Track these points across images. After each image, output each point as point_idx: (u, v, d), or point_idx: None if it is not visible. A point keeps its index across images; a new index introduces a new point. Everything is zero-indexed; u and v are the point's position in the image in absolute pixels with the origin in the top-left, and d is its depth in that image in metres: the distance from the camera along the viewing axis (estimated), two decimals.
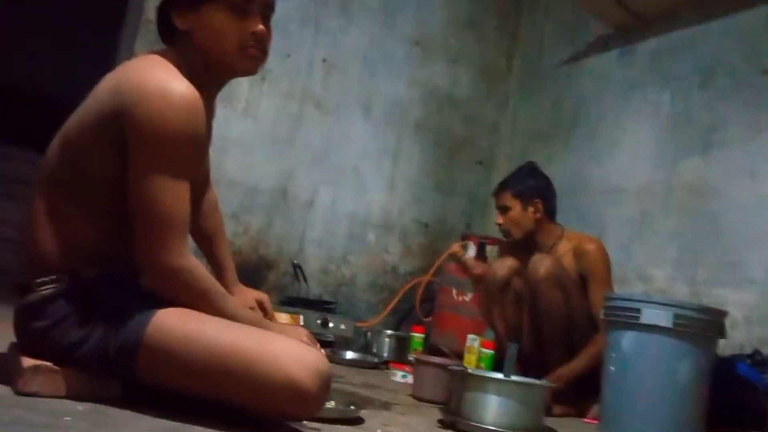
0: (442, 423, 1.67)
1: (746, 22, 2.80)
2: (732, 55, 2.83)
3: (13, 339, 1.32)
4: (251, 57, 1.32)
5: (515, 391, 1.68)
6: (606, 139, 3.35)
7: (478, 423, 1.61)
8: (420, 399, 2.06)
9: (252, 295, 1.63)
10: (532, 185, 2.44)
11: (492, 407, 1.62)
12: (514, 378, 1.76)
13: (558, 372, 2.14)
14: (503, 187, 2.46)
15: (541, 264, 2.23)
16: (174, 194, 1.20)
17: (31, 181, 1.36)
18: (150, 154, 1.18)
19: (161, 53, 1.31)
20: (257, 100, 3.25)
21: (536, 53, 3.98)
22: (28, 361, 1.20)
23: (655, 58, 3.20)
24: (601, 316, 2.08)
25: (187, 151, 1.22)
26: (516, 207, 2.40)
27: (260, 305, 1.62)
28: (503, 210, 2.43)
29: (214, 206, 1.67)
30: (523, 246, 2.43)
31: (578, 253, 2.32)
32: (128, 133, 1.19)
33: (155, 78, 1.20)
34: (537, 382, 1.82)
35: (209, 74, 1.33)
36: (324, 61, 3.45)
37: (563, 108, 3.66)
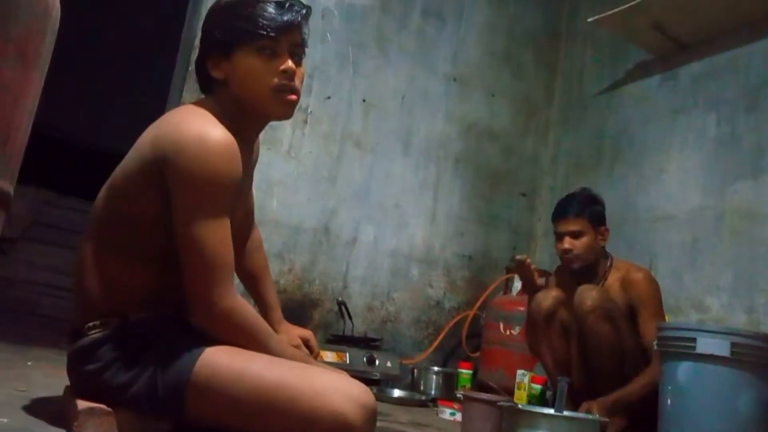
0: None
1: None
2: None
3: (68, 383, 1.36)
4: (284, 101, 1.35)
5: (568, 427, 1.63)
6: (651, 167, 3.29)
7: None
8: None
9: (297, 332, 1.64)
10: (601, 211, 2.37)
11: None
12: (566, 413, 1.71)
13: (609, 399, 2.04)
14: (578, 210, 2.33)
15: (588, 295, 2.17)
16: (217, 236, 1.23)
17: (74, 228, 1.41)
18: (191, 198, 1.22)
19: (199, 103, 1.36)
20: (299, 141, 3.33)
21: (576, 83, 3.97)
22: (82, 404, 1.22)
23: (698, 82, 3.15)
24: (655, 347, 2.01)
25: (226, 193, 1.25)
26: (589, 232, 2.31)
27: (306, 343, 1.63)
28: (576, 235, 2.30)
29: (258, 246, 1.71)
30: (578, 275, 2.34)
31: (626, 283, 2.26)
32: (169, 180, 1.23)
33: (192, 126, 1.25)
34: (589, 416, 1.77)
35: (246, 119, 1.36)
36: (363, 101, 3.52)
37: (605, 136, 3.62)
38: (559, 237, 2.34)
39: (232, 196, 1.28)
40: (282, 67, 1.33)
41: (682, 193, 3.09)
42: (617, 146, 3.53)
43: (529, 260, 2.40)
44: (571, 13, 4.10)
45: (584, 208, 2.33)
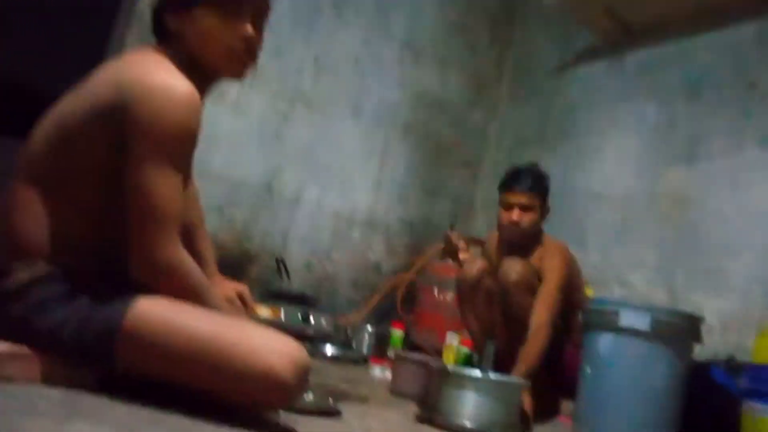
0: (419, 418, 1.70)
1: (734, 36, 2.84)
2: (719, 69, 2.88)
3: None
4: (239, 62, 1.33)
5: (493, 389, 1.71)
6: (591, 147, 3.38)
7: (455, 419, 1.63)
8: (397, 394, 2.07)
9: (232, 286, 1.63)
10: (548, 187, 2.42)
11: (469, 404, 1.65)
12: (491, 376, 1.79)
13: (521, 371, 2.06)
14: (532, 185, 2.36)
15: (513, 269, 2.23)
16: (171, 188, 1.21)
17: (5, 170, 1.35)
18: (152, 149, 1.19)
19: (158, 51, 1.31)
20: (247, 97, 3.25)
21: (527, 61, 4.02)
22: (2, 346, 1.18)
23: (643, 70, 3.24)
24: (579, 319, 2.11)
25: (187, 148, 1.24)
26: (537, 208, 2.35)
27: (240, 297, 1.62)
28: (526, 209, 2.34)
29: (195, 198, 1.67)
30: (512, 247, 2.40)
31: (544, 257, 2.33)
32: (129, 127, 1.19)
33: (159, 76, 1.21)
34: (515, 380, 1.86)
35: (198, 75, 1.32)
36: (315, 60, 3.46)
37: (551, 115, 3.70)
38: (508, 207, 2.36)
39: (191, 152, 1.26)
40: (243, 33, 1.31)
41: (617, 175, 3.20)
42: (561, 125, 3.61)
43: (453, 237, 2.52)
44: None
45: (538, 183, 2.37)
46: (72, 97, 1.29)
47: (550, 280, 2.24)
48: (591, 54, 3.54)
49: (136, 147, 1.20)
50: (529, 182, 2.35)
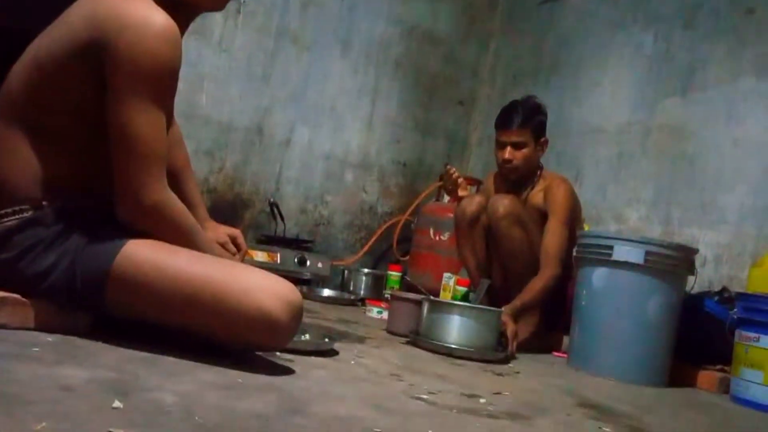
0: (409, 342, 1.92)
1: None
2: None
3: None
4: None
5: (472, 315, 1.91)
6: (587, 80, 3.32)
7: (439, 342, 1.87)
8: (393, 333, 2.10)
9: (224, 231, 1.61)
10: (543, 121, 2.37)
11: (451, 328, 1.88)
12: (471, 305, 1.99)
13: (516, 304, 2.11)
14: (522, 122, 2.30)
15: (500, 203, 2.24)
16: (152, 126, 1.18)
17: None
18: (131, 84, 1.15)
19: None
20: (231, 33, 3.15)
21: None
22: None
23: None
24: (558, 250, 2.12)
25: (168, 82, 1.20)
26: (530, 144, 2.32)
27: (233, 241, 1.60)
28: (518, 146, 2.31)
29: (178, 140, 1.63)
30: (511, 183, 2.40)
31: (547, 192, 2.33)
32: (108, 62, 1.15)
33: (136, 8, 1.17)
34: (493, 309, 2.00)
35: (177, 8, 1.27)
36: None
37: (545, 48, 3.61)
38: (501, 146, 2.35)
39: (172, 87, 1.22)
40: None
41: (613, 108, 3.15)
42: (556, 58, 3.53)
43: (453, 171, 2.50)
44: None
45: (529, 119, 2.32)
46: (48, 35, 1.24)
47: (557, 213, 2.26)
48: None
49: (115, 83, 1.16)
50: (519, 119, 2.31)
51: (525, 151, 2.32)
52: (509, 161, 2.32)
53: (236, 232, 1.63)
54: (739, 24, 2.68)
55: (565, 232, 2.22)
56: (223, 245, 1.56)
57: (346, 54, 3.50)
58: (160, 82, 1.18)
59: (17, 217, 1.21)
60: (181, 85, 1.52)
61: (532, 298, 2.13)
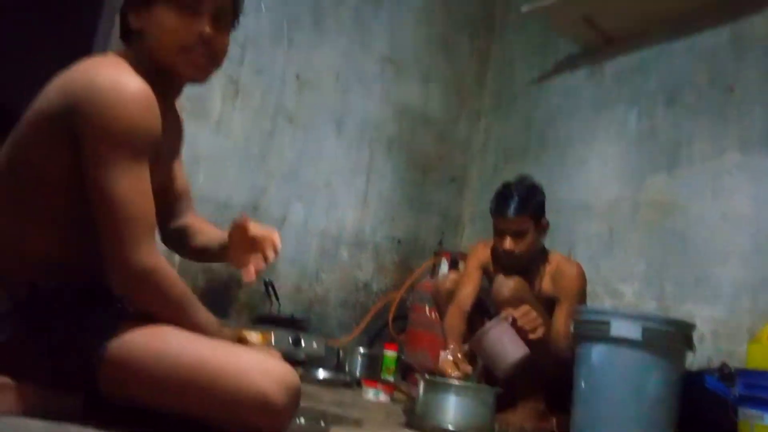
0: (406, 424, 1.91)
1: (710, 41, 2.87)
2: (697, 74, 2.90)
3: None
4: (194, 63, 1.27)
5: (469, 394, 1.91)
6: (575, 157, 3.40)
7: (436, 422, 1.87)
8: (510, 368, 2.05)
9: (257, 231, 1.45)
10: (541, 202, 2.29)
11: (448, 408, 1.87)
12: (466, 383, 2.01)
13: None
14: (520, 208, 2.21)
15: (505, 285, 2.19)
16: (133, 188, 1.15)
17: None
18: (104, 148, 1.14)
19: (115, 53, 1.29)
20: (229, 115, 3.23)
21: (508, 72, 4.04)
22: None
23: (622, 77, 3.27)
24: (571, 330, 2.10)
25: (143, 143, 1.17)
26: (531, 230, 2.23)
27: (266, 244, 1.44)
28: (518, 234, 2.20)
29: (202, 225, 1.61)
30: (517, 271, 2.28)
31: (557, 275, 2.28)
32: (80, 129, 1.14)
33: (106, 73, 1.17)
34: (489, 387, 1.98)
35: (158, 76, 1.27)
36: (297, 77, 3.45)
37: (534, 126, 3.71)
38: (500, 234, 2.26)
39: (150, 151, 1.20)
40: (200, 30, 1.25)
41: (601, 184, 3.21)
42: (544, 136, 3.62)
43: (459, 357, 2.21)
44: (506, 2, 4.16)
45: (526, 203, 2.23)
46: (28, 110, 1.24)
47: (569, 298, 2.22)
48: (570, 63, 3.57)
49: (89, 148, 1.15)
50: (517, 206, 2.22)
51: (526, 239, 2.23)
52: (511, 252, 2.23)
53: (267, 234, 1.45)
54: (720, 101, 2.78)
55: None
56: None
57: (341, 133, 3.58)
58: (136, 144, 1.16)
59: (8, 299, 1.19)
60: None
61: (544, 365, 2.09)
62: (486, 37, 4.17)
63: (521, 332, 2.05)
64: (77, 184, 1.18)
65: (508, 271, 2.28)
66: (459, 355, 2.13)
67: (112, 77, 1.16)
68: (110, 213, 1.15)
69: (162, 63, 1.27)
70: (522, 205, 2.22)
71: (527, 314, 2.04)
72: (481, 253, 2.51)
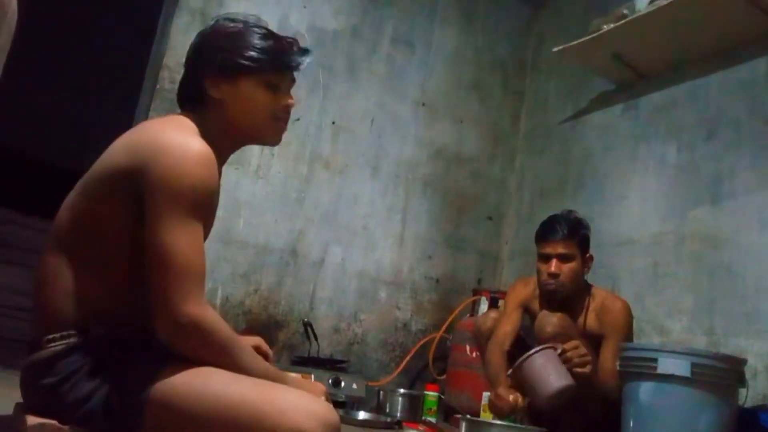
0: None
1: (746, 74, 2.85)
2: (735, 107, 2.87)
3: (18, 400, 1.31)
4: (279, 131, 1.44)
5: None
6: (614, 193, 3.36)
7: None
8: (551, 397, 1.99)
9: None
10: (587, 236, 2.27)
11: None
12: (507, 423, 1.97)
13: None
14: (568, 233, 2.20)
15: (548, 321, 2.15)
16: (190, 244, 1.21)
17: (35, 248, 1.38)
18: (167, 205, 1.20)
19: (179, 116, 1.38)
20: (268, 162, 3.32)
21: (541, 111, 4.06)
22: (32, 419, 1.18)
23: (658, 112, 3.24)
24: (617, 368, 2.04)
25: (203, 204, 1.25)
26: (577, 257, 2.20)
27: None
28: (565, 258, 2.17)
29: None
30: (558, 306, 2.23)
31: (603, 312, 2.23)
32: (145, 187, 1.21)
33: (172, 135, 1.26)
34: (530, 428, 1.95)
35: (227, 140, 1.38)
36: (333, 123, 3.54)
37: (570, 163, 3.70)
38: (545, 259, 2.22)
39: (207, 208, 1.28)
40: (287, 103, 1.43)
41: (642, 219, 3.16)
42: (581, 173, 3.60)
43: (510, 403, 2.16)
44: (537, 44, 4.21)
45: (575, 231, 2.22)
46: (94, 168, 1.33)
47: (616, 333, 2.16)
48: (605, 99, 3.57)
49: (151, 205, 1.21)
50: (565, 229, 2.20)
51: (572, 264, 2.19)
52: (556, 275, 2.18)
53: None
54: (760, 132, 2.73)
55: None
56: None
57: (376, 176, 3.63)
58: (197, 204, 1.23)
59: (64, 342, 1.24)
60: (219, 212, 1.60)
61: (590, 404, 2.03)
62: (518, 78, 4.21)
63: (568, 365, 2.00)
64: (133, 239, 1.24)
65: (552, 307, 2.22)
66: (512, 402, 2.07)
67: (179, 138, 1.25)
68: (164, 263, 1.20)
69: (245, 131, 1.41)
70: (570, 230, 2.21)
71: (577, 348, 2.00)
72: (520, 291, 2.48)
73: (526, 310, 2.43)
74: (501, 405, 2.06)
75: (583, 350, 1.99)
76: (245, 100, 1.38)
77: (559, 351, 1.99)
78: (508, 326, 2.37)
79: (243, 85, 1.37)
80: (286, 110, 1.43)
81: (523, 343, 2.31)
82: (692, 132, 3.03)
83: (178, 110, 1.45)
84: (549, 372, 1.97)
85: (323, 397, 1.34)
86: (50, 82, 4.46)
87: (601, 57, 3.25)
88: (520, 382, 2.08)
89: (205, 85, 1.38)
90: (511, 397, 2.05)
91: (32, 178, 4.25)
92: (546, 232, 2.26)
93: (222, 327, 1.24)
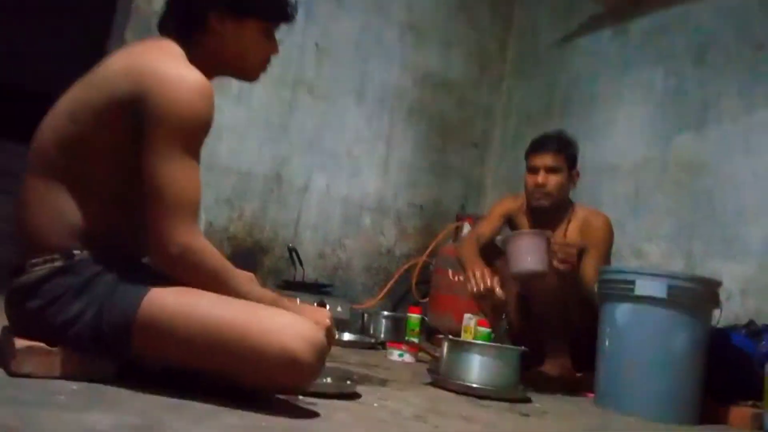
0: (432, 384, 1.91)
1: None
2: (725, 32, 2.82)
3: (5, 323, 1.32)
4: (263, 72, 1.48)
5: (493, 354, 1.92)
6: (600, 118, 3.34)
7: (461, 382, 1.87)
8: (520, 274, 2.06)
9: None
10: (575, 154, 2.36)
11: (471, 367, 1.88)
12: (487, 343, 2.06)
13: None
14: (557, 147, 2.29)
15: (548, 288, 2.14)
16: (186, 174, 1.23)
17: (12, 172, 1.35)
18: (168, 135, 1.21)
19: (167, 42, 1.35)
20: (249, 87, 3.24)
21: (530, 35, 3.97)
22: (20, 342, 1.19)
23: (648, 37, 3.19)
24: (595, 290, 2.09)
25: (202, 136, 1.27)
26: (564, 171, 2.29)
27: None
28: (552, 170, 2.27)
29: None
30: (541, 216, 2.31)
31: (584, 227, 2.29)
32: (146, 116, 1.21)
33: (173, 66, 1.26)
34: (513, 348, 1.99)
35: (212, 71, 1.37)
36: (316, 46, 3.44)
37: (557, 88, 3.65)
38: (534, 170, 2.31)
39: (204, 139, 1.28)
40: (273, 51, 1.46)
41: (628, 145, 3.16)
42: (568, 98, 3.57)
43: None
44: None
45: (564, 146, 2.32)
46: (83, 87, 1.30)
47: (596, 246, 2.23)
48: (594, 23, 3.49)
49: (152, 135, 1.22)
50: (554, 143, 2.31)
51: (559, 177, 2.28)
52: (542, 185, 2.27)
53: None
54: (749, 59, 2.71)
55: (604, 266, 2.19)
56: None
57: (361, 102, 3.57)
58: (195, 134, 1.25)
59: (47, 266, 1.24)
60: None
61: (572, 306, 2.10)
62: (507, 1, 4.09)
63: (552, 257, 2.03)
64: (124, 163, 1.25)
65: (536, 221, 2.31)
66: (488, 279, 2.10)
67: (180, 71, 1.26)
68: (161, 194, 1.21)
69: (236, 67, 1.44)
70: (559, 145, 2.30)
71: (566, 245, 2.04)
72: (507, 203, 2.52)
73: (509, 222, 2.47)
74: (475, 270, 2.11)
75: (570, 250, 2.04)
76: (246, 41, 1.41)
77: (549, 238, 2.05)
78: (486, 228, 2.43)
79: (248, 27, 1.40)
80: (271, 57, 1.48)
81: (499, 253, 2.33)
82: (681, 58, 2.99)
83: (156, 32, 1.41)
84: (531, 252, 2.02)
85: (327, 322, 1.36)
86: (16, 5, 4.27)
87: None
88: (504, 250, 2.14)
89: (208, 16, 1.36)
90: (494, 298, 2.09)
91: (1, 102, 4.12)
92: (536, 145, 2.34)
93: (214, 255, 1.26)
